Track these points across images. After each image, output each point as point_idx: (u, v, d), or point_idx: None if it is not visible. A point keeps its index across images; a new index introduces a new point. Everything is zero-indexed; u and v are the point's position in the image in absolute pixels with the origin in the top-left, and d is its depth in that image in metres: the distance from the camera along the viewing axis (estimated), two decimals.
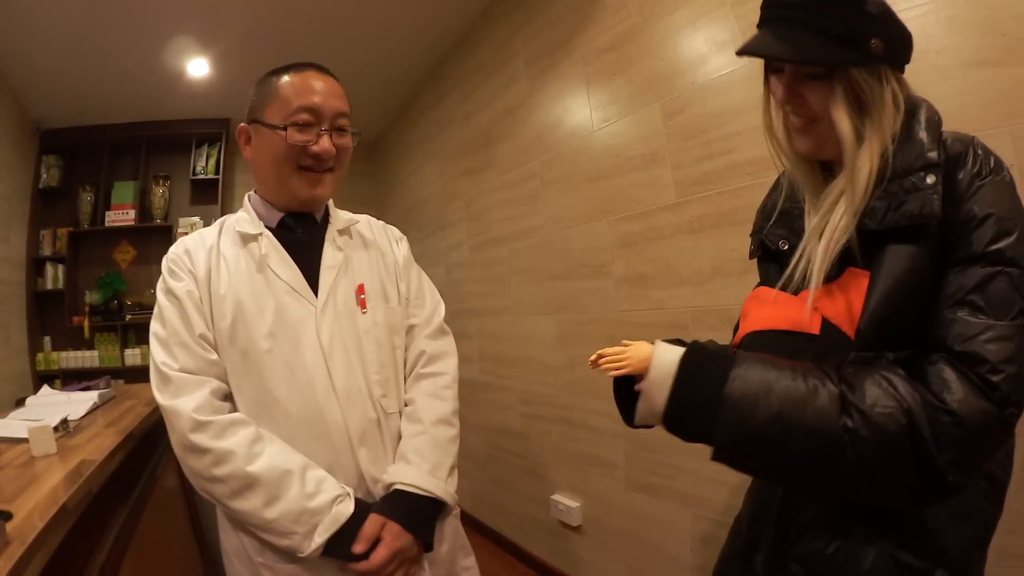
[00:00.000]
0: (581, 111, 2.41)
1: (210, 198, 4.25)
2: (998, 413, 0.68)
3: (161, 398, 1.07)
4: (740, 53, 0.84)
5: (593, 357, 0.95)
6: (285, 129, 1.12)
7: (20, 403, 2.00)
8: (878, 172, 0.78)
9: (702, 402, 0.79)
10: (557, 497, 2.68)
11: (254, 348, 1.11)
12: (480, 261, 3.32)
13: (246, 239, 1.20)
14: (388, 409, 1.19)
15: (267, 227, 1.22)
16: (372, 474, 1.13)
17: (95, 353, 3.87)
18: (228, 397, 1.13)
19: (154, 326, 1.15)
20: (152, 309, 1.18)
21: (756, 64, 0.93)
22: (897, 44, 0.80)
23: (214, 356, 1.12)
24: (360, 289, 1.23)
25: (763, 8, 0.85)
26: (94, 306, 3.96)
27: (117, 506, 1.52)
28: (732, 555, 1.02)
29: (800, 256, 0.86)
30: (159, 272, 1.19)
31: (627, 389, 0.93)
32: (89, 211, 4.03)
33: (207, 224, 2.01)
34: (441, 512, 1.19)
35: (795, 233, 0.93)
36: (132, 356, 3.95)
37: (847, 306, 0.80)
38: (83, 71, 3.34)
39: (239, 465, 1.02)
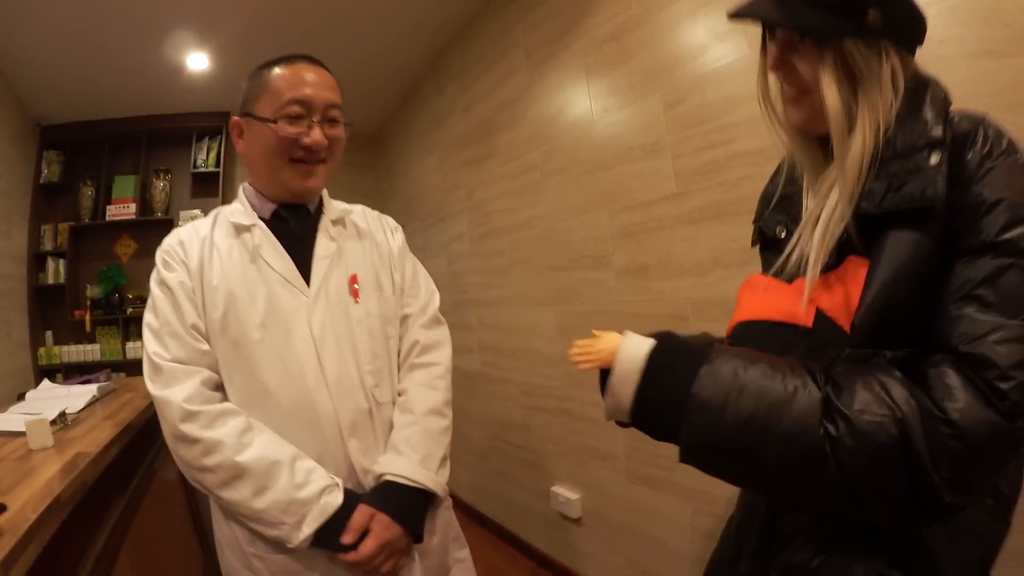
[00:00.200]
0: (581, 101, 2.40)
1: (211, 191, 4.25)
2: (1005, 426, 0.59)
3: (152, 388, 1.07)
4: (730, 15, 0.79)
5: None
6: (276, 122, 1.12)
7: (21, 398, 2.00)
8: (872, 152, 0.71)
9: (670, 401, 0.72)
10: (557, 489, 2.68)
11: (245, 338, 1.11)
12: (481, 252, 3.31)
13: (239, 230, 1.20)
14: (380, 399, 1.19)
15: (261, 218, 1.21)
16: (363, 465, 1.13)
17: (97, 347, 3.88)
18: (219, 387, 1.13)
19: (147, 316, 1.15)
20: None
21: (756, 53, 0.90)
22: (899, 19, 0.73)
23: (205, 346, 1.12)
24: (353, 279, 1.22)
25: None
26: (95, 300, 3.96)
27: (114, 498, 1.52)
28: (721, 559, 0.99)
29: (796, 243, 0.79)
30: None
31: None
32: (90, 205, 4.03)
33: None
34: (432, 504, 1.18)
35: (794, 219, 0.86)
36: (134, 349, 3.95)
37: (845, 298, 0.72)
38: (83, 66, 3.33)
39: (228, 455, 1.02)
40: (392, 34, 3.41)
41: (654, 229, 2.06)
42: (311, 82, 1.14)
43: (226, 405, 1.09)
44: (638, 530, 2.23)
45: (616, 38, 2.19)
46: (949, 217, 0.67)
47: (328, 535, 1.04)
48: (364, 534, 1.06)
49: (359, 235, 1.31)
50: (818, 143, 0.84)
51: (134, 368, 3.70)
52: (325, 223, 1.25)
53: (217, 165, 4.24)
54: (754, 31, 0.86)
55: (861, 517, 0.65)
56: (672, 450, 0.73)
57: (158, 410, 1.07)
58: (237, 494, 1.03)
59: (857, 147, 0.72)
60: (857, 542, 0.73)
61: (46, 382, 2.23)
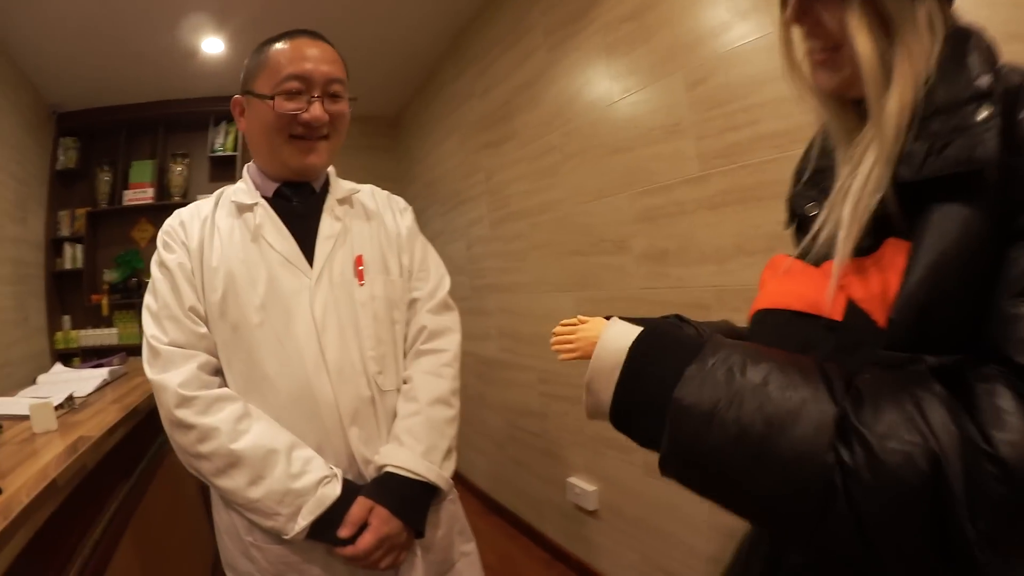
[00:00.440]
0: (601, 82, 2.33)
1: (229, 174, 4.23)
2: None
3: (149, 372, 1.05)
4: None
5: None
6: (273, 98, 1.08)
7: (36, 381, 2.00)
8: (912, 107, 0.59)
9: (648, 402, 0.59)
10: (574, 480, 2.64)
11: (245, 321, 1.07)
12: (500, 236, 3.27)
13: (242, 209, 1.16)
14: (384, 387, 1.14)
15: (264, 197, 1.17)
16: (364, 455, 1.09)
17: (114, 331, 3.89)
18: (218, 372, 1.09)
19: (147, 299, 1.12)
20: None
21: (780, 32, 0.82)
22: None
23: (203, 330, 1.08)
24: (359, 260, 1.17)
25: None
26: (113, 284, 3.97)
27: (118, 482, 1.51)
28: None
29: (825, 219, 0.66)
30: None
31: None
32: (107, 191, 4.03)
33: None
34: (434, 497, 1.14)
35: (825, 193, 0.72)
36: None
37: (882, 287, 0.59)
38: (97, 54, 3.32)
39: (223, 442, 0.99)
40: (409, 17, 3.37)
41: (675, 213, 1.99)
42: (311, 57, 1.10)
43: (223, 391, 1.05)
44: (654, 525, 2.18)
45: (636, 17, 2.12)
46: (1004, 188, 0.53)
47: (325, 527, 1.01)
48: (363, 527, 1.02)
49: (366, 215, 1.26)
50: (852, 108, 0.71)
51: None
52: (331, 202, 1.21)
53: (235, 149, 4.22)
54: (777, 9, 0.76)
55: (870, 567, 0.50)
56: None
57: (155, 395, 1.04)
58: (232, 483, 1.00)
59: (895, 100, 0.60)
60: None
61: (58, 365, 2.24)
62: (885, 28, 0.62)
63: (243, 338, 1.07)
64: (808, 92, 0.74)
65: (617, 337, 0.65)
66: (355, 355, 1.11)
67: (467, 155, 3.65)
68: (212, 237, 1.13)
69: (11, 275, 3.18)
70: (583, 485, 2.57)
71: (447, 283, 1.32)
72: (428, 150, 4.36)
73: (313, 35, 1.14)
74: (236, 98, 1.18)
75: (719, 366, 0.55)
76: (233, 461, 0.99)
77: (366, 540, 1.00)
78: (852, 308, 0.61)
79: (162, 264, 1.11)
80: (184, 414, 1.00)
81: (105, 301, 3.90)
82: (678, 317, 0.89)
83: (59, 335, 3.73)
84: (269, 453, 1.00)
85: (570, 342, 0.76)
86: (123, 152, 4.09)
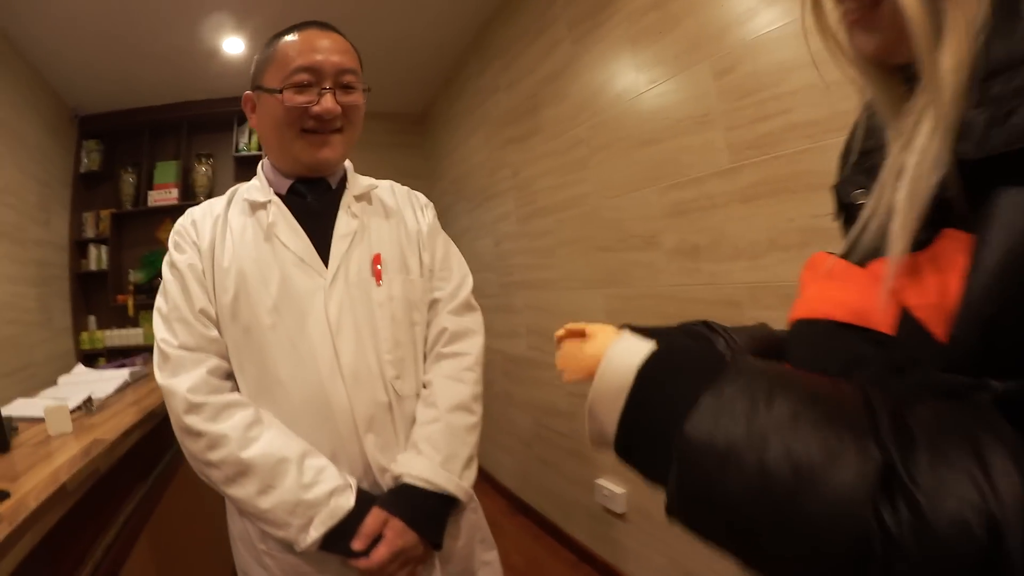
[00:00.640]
0: (627, 73, 2.27)
1: (254, 174, 4.22)
2: None
3: (159, 376, 1.01)
4: None
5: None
6: (282, 92, 1.03)
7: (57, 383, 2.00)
8: (969, 65, 0.46)
9: (656, 434, 0.49)
10: (602, 482, 2.58)
11: (257, 324, 1.03)
12: (527, 232, 3.22)
13: (254, 207, 1.12)
14: (402, 392, 1.09)
15: (277, 194, 1.13)
16: (380, 463, 1.04)
17: (139, 331, 3.91)
18: (229, 376, 1.05)
19: (158, 301, 1.08)
20: None
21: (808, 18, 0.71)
22: None
23: (214, 332, 1.04)
24: (376, 259, 1.12)
25: None
26: (138, 284, 3.99)
27: (134, 485, 1.48)
28: None
29: (874, 208, 0.54)
30: None
31: None
32: (131, 192, 4.06)
33: None
34: (453, 509, 1.08)
35: (876, 176, 0.57)
36: None
37: (940, 292, 0.46)
38: (116, 56, 3.33)
39: (232, 450, 0.95)
40: (431, 12, 3.34)
41: (706, 207, 1.92)
42: (321, 48, 1.05)
43: (233, 396, 1.01)
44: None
45: (660, 6, 2.06)
46: None
47: (338, 539, 0.96)
48: (377, 539, 0.97)
49: (385, 212, 1.21)
50: (899, 76, 0.59)
51: None
52: (347, 199, 1.16)
53: (259, 148, 4.23)
54: None
55: None
56: None
57: (165, 400, 1.00)
58: (242, 491, 0.96)
59: (949, 55, 0.47)
60: None
61: (79, 367, 2.23)
62: None
63: (255, 341, 1.03)
64: (846, 62, 0.62)
65: (624, 355, 0.56)
66: (371, 359, 1.06)
67: (493, 150, 3.61)
68: (224, 236, 1.09)
69: (35, 276, 3.20)
70: (612, 487, 2.51)
71: (470, 282, 1.26)
72: (454, 146, 4.33)
73: (323, 26, 1.10)
74: (247, 94, 1.14)
75: (740, 395, 0.45)
76: (243, 470, 0.95)
77: (380, 553, 0.96)
78: (906, 319, 0.49)
79: (173, 265, 1.08)
80: (193, 420, 0.96)
81: (131, 301, 3.92)
82: (706, 324, 0.79)
83: (84, 335, 3.76)
84: (280, 462, 0.96)
85: (574, 359, 0.65)
86: (147, 153, 4.12)
